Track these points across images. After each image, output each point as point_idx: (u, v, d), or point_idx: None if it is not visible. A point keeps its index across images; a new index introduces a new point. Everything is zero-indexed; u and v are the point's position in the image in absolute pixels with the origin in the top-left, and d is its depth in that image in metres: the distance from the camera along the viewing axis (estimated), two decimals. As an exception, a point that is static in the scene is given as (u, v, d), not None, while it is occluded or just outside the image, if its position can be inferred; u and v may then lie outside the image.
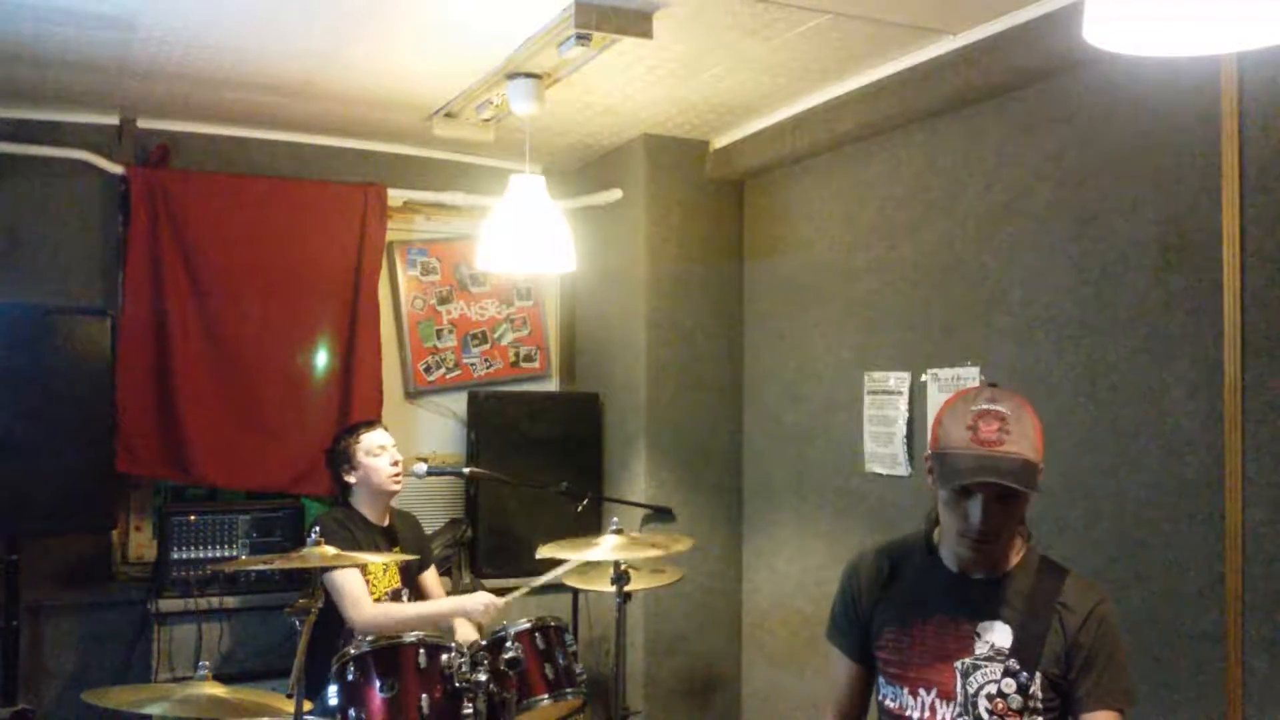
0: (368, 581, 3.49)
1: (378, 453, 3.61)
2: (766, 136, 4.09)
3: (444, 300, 4.72)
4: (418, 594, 3.76)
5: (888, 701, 2.02)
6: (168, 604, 3.86)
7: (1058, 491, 2.85)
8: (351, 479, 3.60)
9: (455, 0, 2.96)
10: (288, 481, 4.20)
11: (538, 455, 4.47)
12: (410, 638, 3.01)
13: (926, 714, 1.94)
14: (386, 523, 3.68)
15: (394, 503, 3.76)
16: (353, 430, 3.69)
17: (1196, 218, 2.61)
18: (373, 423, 3.79)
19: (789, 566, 4.16)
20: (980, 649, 1.92)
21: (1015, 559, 1.99)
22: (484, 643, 3.13)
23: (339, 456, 3.63)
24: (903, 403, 3.54)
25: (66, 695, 3.80)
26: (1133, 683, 1.95)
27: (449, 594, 4.00)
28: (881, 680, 2.05)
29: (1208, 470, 2.57)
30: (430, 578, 3.86)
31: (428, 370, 4.69)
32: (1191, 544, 2.61)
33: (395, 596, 3.56)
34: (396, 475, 3.63)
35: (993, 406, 1.86)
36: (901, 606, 2.02)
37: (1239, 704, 2.47)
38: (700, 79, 3.63)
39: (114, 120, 4.11)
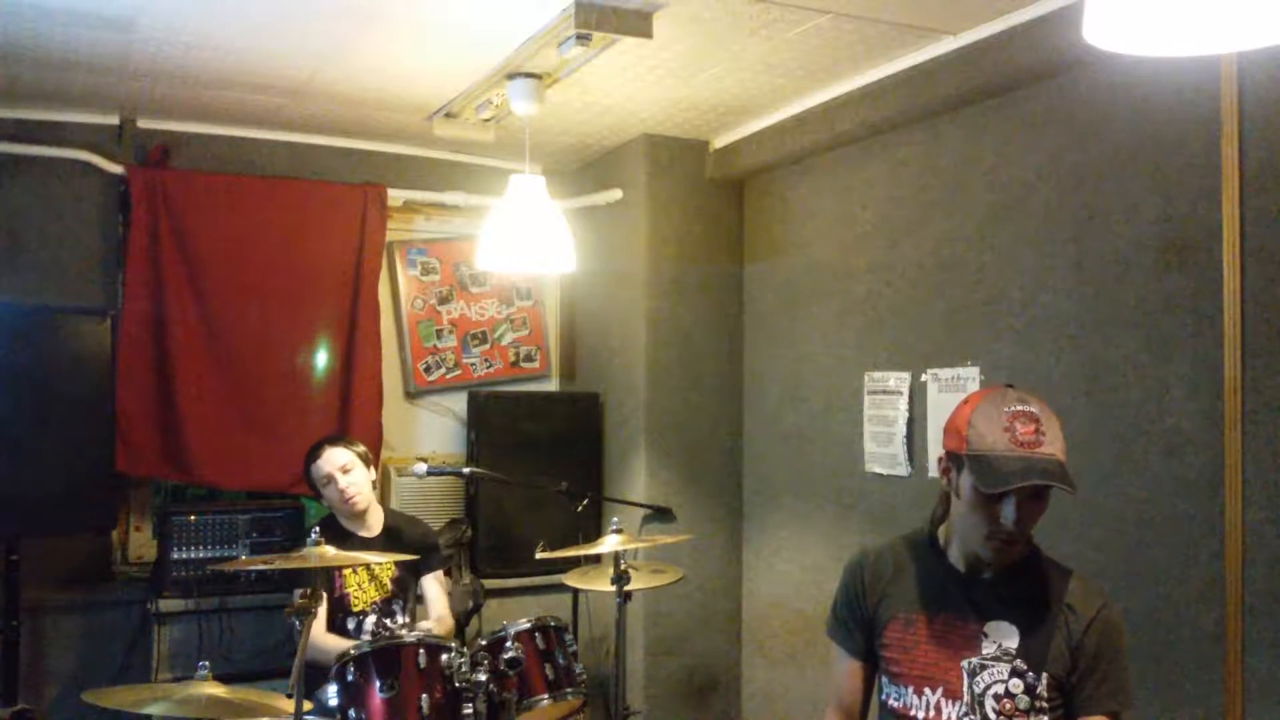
0: (350, 594, 3.49)
1: (325, 482, 3.56)
2: (766, 136, 4.09)
3: (444, 300, 4.72)
4: (412, 598, 3.72)
5: (891, 700, 2.01)
6: (168, 604, 3.86)
7: (1059, 492, 2.84)
8: (320, 500, 3.64)
9: (455, 0, 2.97)
10: (288, 481, 4.19)
11: (538, 455, 4.47)
12: (410, 638, 3.02)
13: (931, 713, 1.93)
14: (376, 533, 3.65)
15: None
16: (311, 453, 3.62)
17: (1196, 218, 2.61)
18: (329, 441, 3.66)
19: (789, 566, 4.16)
20: (987, 648, 1.92)
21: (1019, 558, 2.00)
22: (484, 643, 3.13)
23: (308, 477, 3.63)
24: (903, 403, 3.54)
25: (66, 695, 3.80)
26: (1131, 684, 1.95)
27: (449, 594, 3.99)
28: (884, 679, 2.04)
29: (1208, 470, 2.57)
30: (429, 586, 3.74)
31: (428, 370, 4.69)
32: (1191, 544, 2.61)
33: (385, 607, 3.55)
34: (350, 499, 3.54)
35: (1025, 408, 1.87)
36: (906, 604, 2.02)
37: (1239, 704, 2.47)
38: (700, 79, 3.63)
39: (114, 120, 4.11)
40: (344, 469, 3.55)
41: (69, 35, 3.23)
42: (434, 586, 3.73)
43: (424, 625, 3.55)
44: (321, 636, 3.39)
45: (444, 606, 3.73)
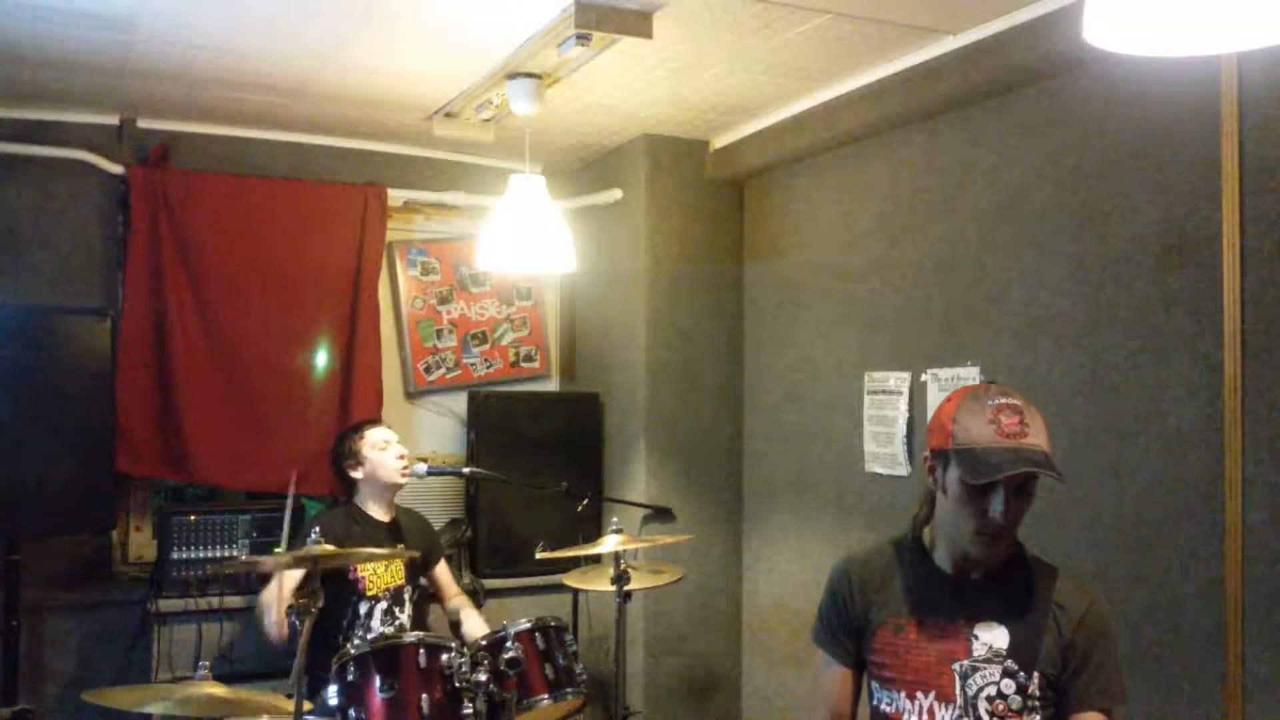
0: (365, 578, 3.51)
1: (384, 446, 3.67)
2: (766, 136, 4.09)
3: (444, 300, 4.72)
4: (426, 590, 3.76)
5: (883, 706, 2.00)
6: (168, 604, 3.86)
7: (1058, 491, 2.85)
8: (358, 474, 3.64)
9: (455, 0, 2.97)
10: (288, 481, 4.19)
11: (538, 455, 4.47)
12: (410, 638, 3.02)
13: (925, 717, 1.93)
14: (390, 519, 3.69)
15: (397, 500, 3.77)
16: (357, 428, 3.76)
17: (1196, 218, 2.61)
18: (375, 420, 3.85)
19: (789, 566, 4.16)
20: (978, 650, 1.92)
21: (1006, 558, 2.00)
22: (484, 643, 3.13)
23: (344, 453, 3.66)
24: (903, 403, 3.54)
25: (66, 695, 3.80)
26: (1124, 680, 1.95)
27: (458, 588, 4.02)
28: (875, 685, 2.03)
29: (1208, 470, 2.57)
30: (442, 572, 3.90)
31: (428, 370, 4.69)
32: (1191, 544, 2.61)
33: (397, 594, 3.57)
34: (404, 468, 3.67)
35: (1008, 400, 1.88)
36: (895, 609, 2.01)
37: (1239, 704, 2.47)
38: (700, 79, 3.63)
39: (114, 120, 4.11)
40: (399, 443, 3.74)
41: (69, 35, 3.23)
42: (445, 570, 3.93)
43: (470, 629, 3.65)
44: (268, 593, 3.39)
45: (456, 585, 3.96)
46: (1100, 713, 1.90)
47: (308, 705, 2.69)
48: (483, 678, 2.95)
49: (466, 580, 4.35)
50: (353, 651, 2.94)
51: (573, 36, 3.01)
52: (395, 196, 4.51)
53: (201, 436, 4.07)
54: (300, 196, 4.31)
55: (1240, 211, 2.50)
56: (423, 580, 3.75)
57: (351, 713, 2.87)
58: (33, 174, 3.98)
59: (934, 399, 3.40)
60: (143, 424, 3.99)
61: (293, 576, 3.40)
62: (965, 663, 1.92)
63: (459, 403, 4.70)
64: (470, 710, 2.92)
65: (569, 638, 3.35)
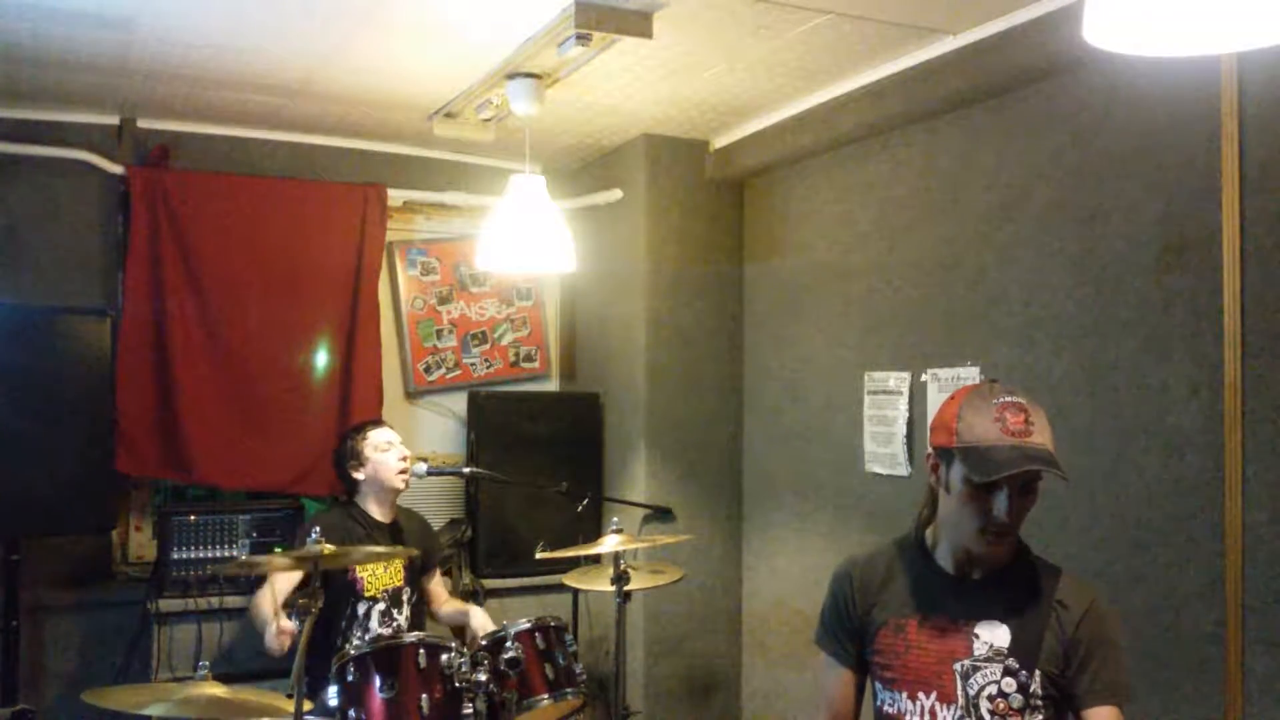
0: (363, 579, 3.50)
1: (385, 448, 3.66)
2: (766, 136, 4.09)
3: (444, 300, 4.72)
4: (422, 593, 3.77)
5: (885, 707, 2.00)
6: (168, 604, 3.86)
7: (1058, 491, 2.84)
8: (359, 475, 3.64)
9: (455, 0, 2.97)
10: (288, 481, 4.20)
11: (538, 455, 4.48)
12: (410, 638, 3.02)
13: (926, 718, 1.93)
14: (390, 519, 3.70)
15: (398, 501, 3.78)
16: (360, 428, 3.75)
17: (1196, 218, 2.61)
18: (379, 421, 3.85)
19: (789, 566, 4.16)
20: (979, 649, 1.92)
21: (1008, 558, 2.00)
22: (484, 643, 3.13)
23: (346, 453, 3.66)
24: (903, 403, 3.54)
25: (66, 695, 3.80)
26: (1128, 679, 1.95)
27: (450, 594, 4.02)
28: (877, 685, 2.03)
29: (1208, 470, 2.57)
30: (434, 580, 3.89)
31: (428, 370, 4.69)
32: (1191, 544, 2.61)
33: (395, 596, 3.57)
34: (404, 471, 3.66)
35: (1013, 399, 1.88)
36: (897, 610, 2.01)
37: (1239, 704, 2.47)
38: (700, 79, 3.63)
39: (114, 120, 4.11)
40: (402, 445, 3.73)
41: (69, 35, 3.23)
42: (438, 580, 3.91)
43: (480, 623, 3.63)
44: (263, 603, 3.37)
45: (446, 595, 3.95)
46: (1112, 707, 1.88)
47: (308, 705, 2.69)
48: (483, 678, 2.95)
49: (466, 580, 4.35)
50: (352, 652, 2.94)
51: (573, 36, 3.00)
52: (395, 196, 4.51)
53: (201, 436, 4.06)
54: (300, 196, 4.31)
55: (1240, 211, 2.50)
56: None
57: (351, 713, 2.87)
58: (33, 174, 3.98)
59: (934, 399, 3.40)
60: (143, 424, 3.99)
61: (288, 580, 3.40)
62: (966, 662, 1.92)
63: (459, 403, 4.70)
64: (470, 710, 2.92)
65: (569, 638, 3.35)
